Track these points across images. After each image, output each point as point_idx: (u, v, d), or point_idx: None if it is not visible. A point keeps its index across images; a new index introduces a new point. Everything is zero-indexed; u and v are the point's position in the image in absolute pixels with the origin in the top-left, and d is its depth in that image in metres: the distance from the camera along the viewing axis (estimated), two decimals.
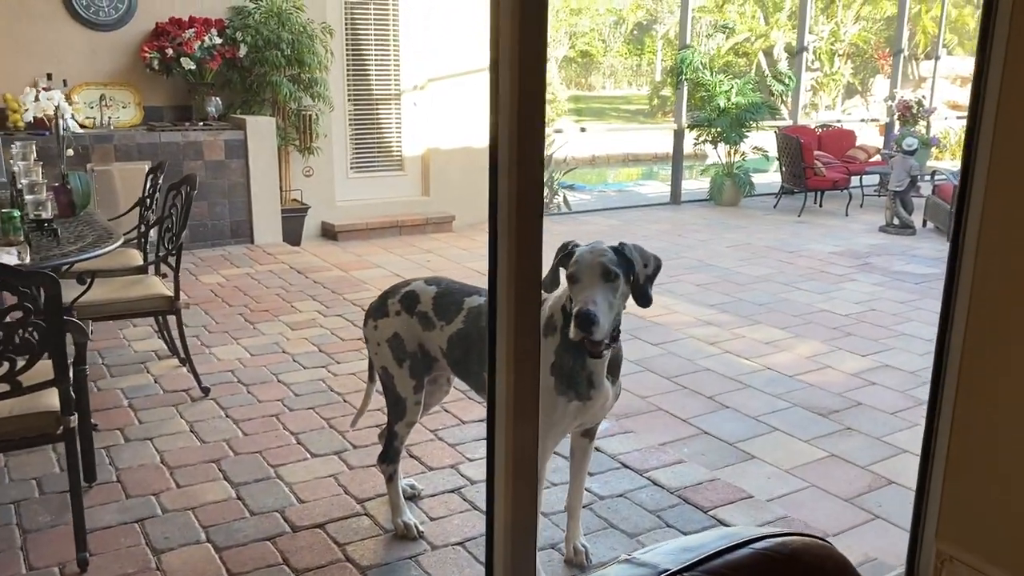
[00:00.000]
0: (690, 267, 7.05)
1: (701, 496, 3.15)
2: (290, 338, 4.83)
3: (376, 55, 7.97)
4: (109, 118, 6.68)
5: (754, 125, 9.99)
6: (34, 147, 3.88)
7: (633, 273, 2.28)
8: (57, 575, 2.61)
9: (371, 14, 7.86)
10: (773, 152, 10.45)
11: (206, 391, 3.99)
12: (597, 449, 3.37)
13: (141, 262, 4.42)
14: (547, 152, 9.66)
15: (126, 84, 6.84)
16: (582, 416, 2.43)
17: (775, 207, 9.99)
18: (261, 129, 6.93)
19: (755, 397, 4.24)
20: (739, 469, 3.47)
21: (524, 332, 1.56)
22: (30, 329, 2.46)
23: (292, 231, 7.35)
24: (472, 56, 8.11)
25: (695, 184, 11.33)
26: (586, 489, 2.99)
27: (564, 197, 9.69)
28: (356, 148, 8.06)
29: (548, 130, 9.76)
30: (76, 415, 2.66)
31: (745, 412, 4.05)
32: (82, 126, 6.50)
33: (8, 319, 2.41)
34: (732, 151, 10.06)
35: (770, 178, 11.28)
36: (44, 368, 2.55)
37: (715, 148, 10.19)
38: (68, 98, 6.65)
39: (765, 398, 4.23)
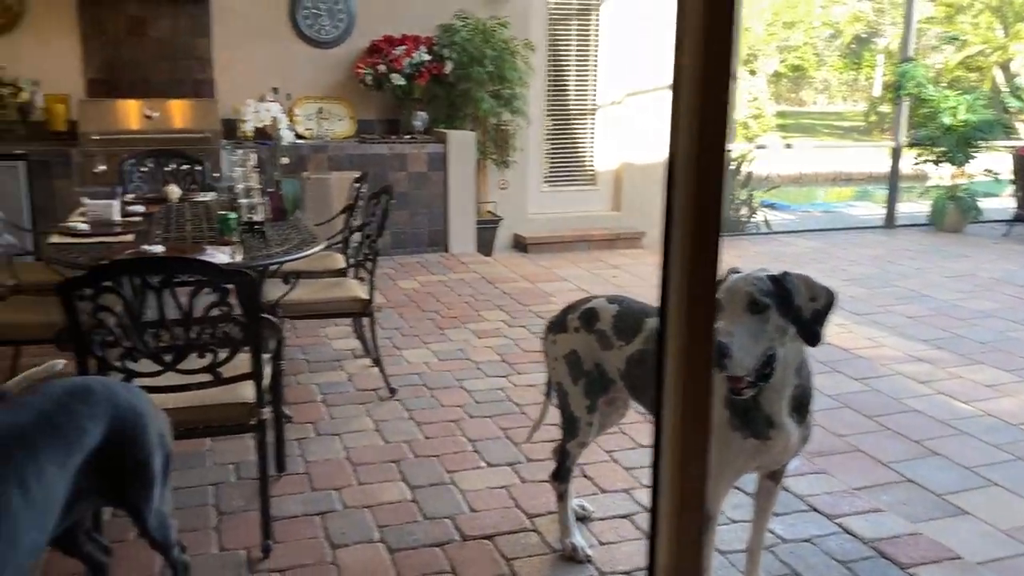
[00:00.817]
0: (902, 297, 6.49)
1: (899, 550, 2.84)
2: (475, 345, 4.90)
3: (575, 70, 8.00)
4: (325, 130, 7.14)
5: (984, 145, 9.08)
6: (252, 155, 4.19)
7: (793, 306, 2.06)
8: (243, 558, 2.77)
9: (573, 30, 7.91)
10: (1006, 175, 9.45)
11: (393, 392, 4.13)
12: (783, 488, 3.14)
13: (343, 265, 4.65)
14: (747, 168, 9.29)
15: (341, 98, 7.28)
16: (760, 457, 2.25)
17: (1005, 235, 9.01)
18: (462, 143, 7.14)
19: (971, 445, 3.80)
20: (947, 524, 3.11)
21: (694, 360, 1.43)
22: (231, 324, 2.63)
23: (485, 242, 7.52)
24: (669, 71, 7.93)
25: (913, 207, 10.48)
26: (768, 530, 2.78)
27: (764, 216, 9.26)
28: (550, 162, 8.12)
29: (749, 146, 9.39)
30: (269, 408, 2.81)
31: (958, 461, 3.63)
32: (300, 137, 7.01)
33: (207, 314, 2.59)
34: (957, 172, 9.20)
35: (1001, 203, 10.20)
36: (242, 362, 2.71)
37: (937, 168, 9.37)
38: (290, 111, 7.18)
39: (983, 447, 3.78)
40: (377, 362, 4.45)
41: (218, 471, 3.32)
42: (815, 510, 3.11)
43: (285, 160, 4.83)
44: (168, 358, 2.60)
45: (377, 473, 3.35)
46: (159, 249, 3.36)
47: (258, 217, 3.58)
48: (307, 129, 7.10)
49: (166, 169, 5.46)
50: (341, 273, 4.55)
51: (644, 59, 7.94)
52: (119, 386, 2.20)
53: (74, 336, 2.51)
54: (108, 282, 2.46)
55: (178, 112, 6.65)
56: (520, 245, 7.85)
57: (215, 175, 5.99)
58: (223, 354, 2.63)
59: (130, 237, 3.72)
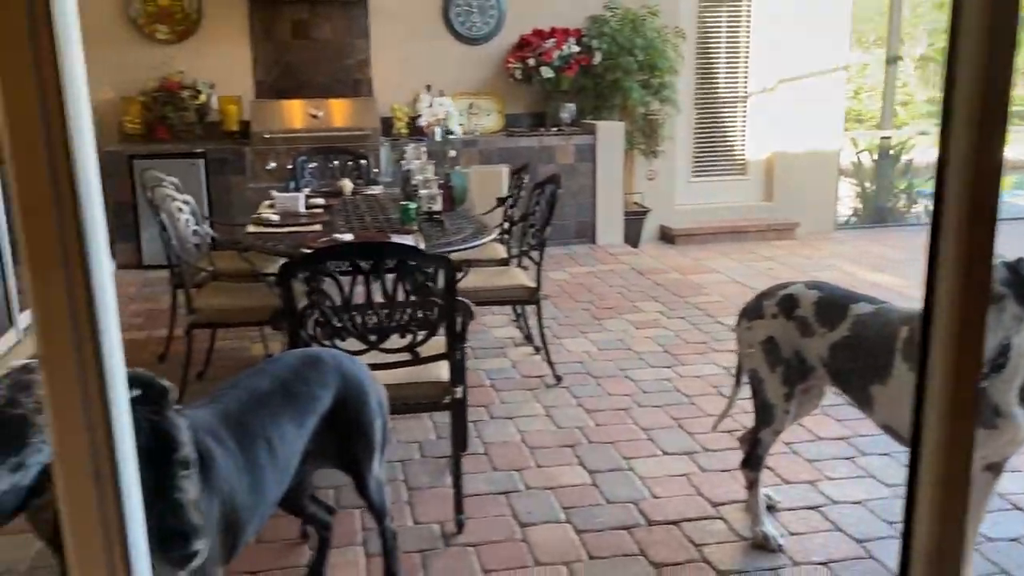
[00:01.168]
0: None
1: None
2: (634, 336, 4.90)
3: (726, 57, 7.84)
4: (476, 125, 7.29)
5: None
6: (424, 149, 4.33)
7: None
8: (437, 532, 2.88)
9: (723, 16, 7.76)
10: None
11: (559, 379, 4.18)
12: None
13: (504, 255, 4.74)
14: (906, 157, 8.85)
15: (491, 93, 7.41)
16: (985, 447, 2.16)
17: None
18: (610, 134, 7.14)
19: None
20: None
21: (965, 352, 1.39)
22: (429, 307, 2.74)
23: (632, 233, 7.48)
24: (824, 56, 7.68)
25: None
26: None
27: (925, 206, 8.80)
28: (698, 152, 8.00)
29: (909, 131, 8.93)
30: (462, 387, 2.91)
31: None
32: (449, 132, 7.18)
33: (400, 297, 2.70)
34: None
35: None
36: (435, 343, 2.82)
37: None
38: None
39: None
40: (539, 350, 4.54)
41: (403, 449, 3.46)
42: (1019, 508, 2.95)
43: (453, 153, 4.97)
44: (373, 338, 2.74)
45: (554, 457, 3.41)
46: (348, 237, 3.54)
47: (436, 207, 3.70)
48: (458, 124, 7.26)
49: (331, 165, 5.73)
50: (503, 262, 4.64)
51: (797, 44, 7.69)
52: (344, 356, 2.34)
53: (289, 316, 2.68)
54: (324, 266, 2.61)
55: (339, 111, 6.95)
56: (667, 237, 7.78)
57: (375, 170, 6.23)
58: (422, 335, 2.75)
59: (318, 227, 3.93)
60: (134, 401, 1.54)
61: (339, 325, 2.70)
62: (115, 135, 6.87)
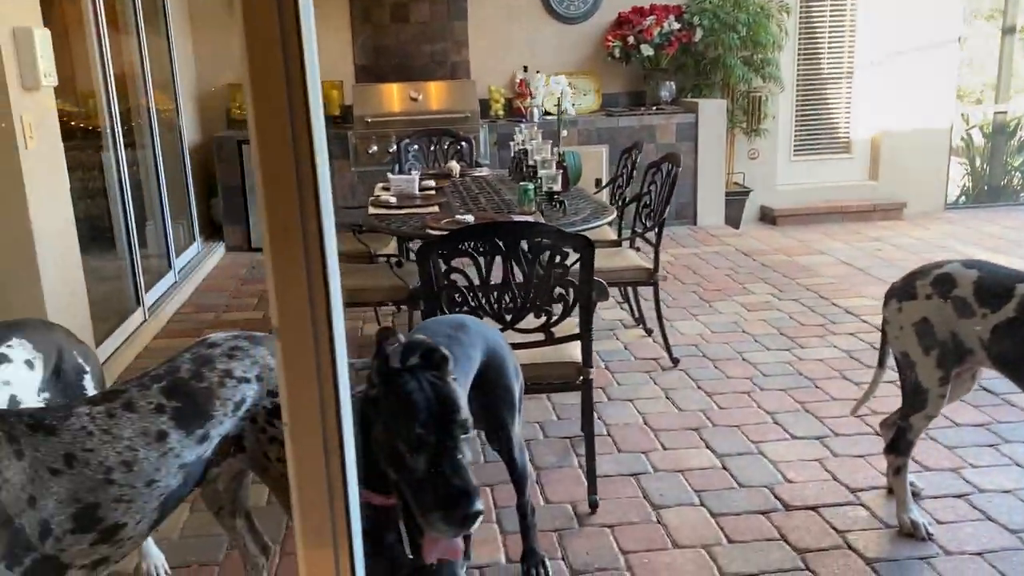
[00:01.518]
0: None
1: None
2: (747, 319, 4.80)
3: (830, 32, 7.58)
4: (573, 105, 7.22)
5: None
6: (538, 129, 4.32)
7: None
8: (570, 511, 2.88)
9: None
10: None
11: (676, 362, 4.13)
12: None
13: (614, 236, 4.70)
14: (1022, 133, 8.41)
15: (588, 72, 7.35)
16: None
17: None
18: (712, 112, 6.99)
19: None
20: None
21: None
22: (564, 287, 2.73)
23: (732, 214, 7.33)
24: (935, 29, 7.36)
25: None
26: None
27: None
28: (801, 130, 7.77)
29: None
30: (593, 368, 2.90)
31: None
32: (548, 113, 7.14)
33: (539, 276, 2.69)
34: None
35: None
36: (567, 324, 2.80)
37: None
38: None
39: None
40: (650, 332, 4.52)
41: (527, 430, 3.47)
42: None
43: (565, 133, 4.94)
44: (508, 317, 2.74)
45: (679, 439, 3.37)
46: (470, 218, 3.55)
47: (557, 187, 3.68)
48: (555, 105, 7.20)
49: (431, 148, 5.77)
50: (615, 243, 4.60)
51: (906, 17, 7.38)
52: (481, 321, 2.36)
53: (428, 295, 2.70)
54: (464, 245, 2.63)
55: (438, 93, 6.98)
56: (768, 217, 7.59)
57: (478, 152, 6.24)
58: (557, 314, 2.74)
59: (435, 208, 3.96)
60: (415, 367, 1.57)
61: (475, 304, 2.72)
62: (224, 122, 7.07)
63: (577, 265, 2.69)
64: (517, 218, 3.53)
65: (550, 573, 2.50)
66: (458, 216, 3.60)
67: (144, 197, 5.43)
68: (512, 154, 4.85)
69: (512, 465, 2.34)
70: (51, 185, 3.61)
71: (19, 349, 2.11)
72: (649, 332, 4.56)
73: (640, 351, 4.36)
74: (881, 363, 2.78)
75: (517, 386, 2.29)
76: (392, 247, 4.78)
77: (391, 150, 6.66)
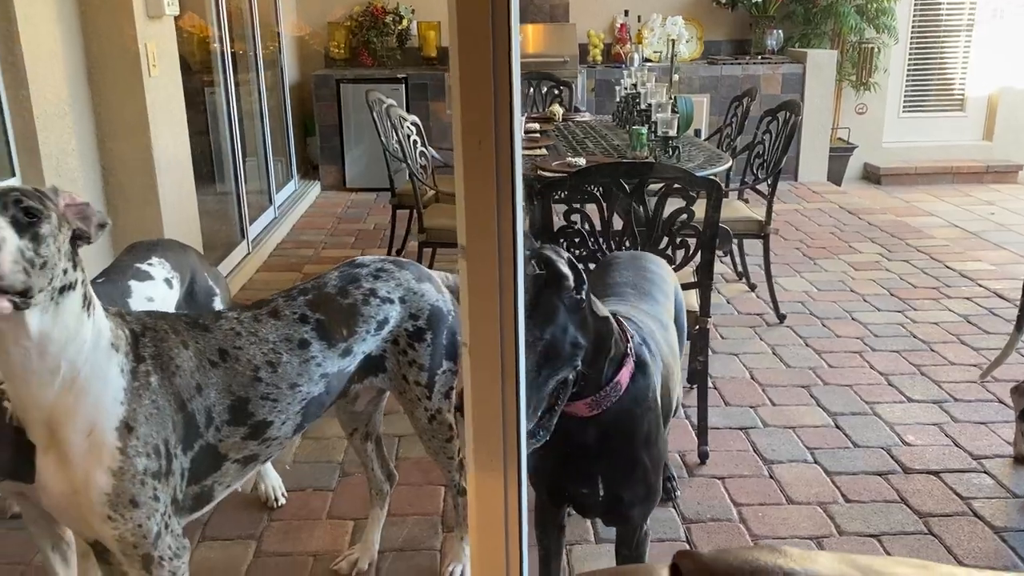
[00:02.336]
0: None
1: None
2: (855, 278, 4.63)
3: None
4: (674, 52, 7.01)
5: None
6: (652, 73, 4.20)
7: None
8: (679, 461, 2.84)
9: None
10: None
11: (782, 318, 4.02)
12: None
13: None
14: None
15: (691, 18, 7.10)
16: None
17: None
18: (821, 63, 6.70)
19: None
20: None
21: None
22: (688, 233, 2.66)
23: (835, 171, 7.07)
24: None
25: None
26: None
27: None
28: (912, 85, 7.40)
29: None
30: (710, 318, 2.83)
31: None
32: (647, 60, 6.95)
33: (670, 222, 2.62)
34: None
35: None
36: (683, 272, 2.73)
37: None
38: (638, 34, 7.15)
39: None
40: (754, 287, 4.42)
41: None
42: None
43: (677, 77, 4.80)
44: None
45: (789, 396, 3.29)
46: (582, 161, 3.48)
47: (672, 131, 3.58)
48: (655, 52, 7.02)
49: (529, 92, 5.69)
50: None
51: None
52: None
53: (545, 236, 2.66)
54: (588, 185, 2.57)
55: (537, 37, 6.85)
56: (872, 176, 7.30)
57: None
58: (679, 260, 2.67)
59: (542, 151, 3.90)
60: (537, 278, 1.55)
61: (594, 248, 2.67)
62: (321, 60, 7.10)
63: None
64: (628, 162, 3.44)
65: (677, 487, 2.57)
66: (569, 159, 3.54)
67: (247, 133, 5.51)
68: (618, 99, 4.74)
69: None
70: (170, 114, 3.67)
71: (159, 267, 2.16)
72: (752, 287, 4.45)
73: (743, 306, 4.25)
74: (1019, 326, 2.64)
75: (684, 329, 2.27)
76: None
77: None
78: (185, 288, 2.24)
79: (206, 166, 4.75)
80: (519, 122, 1.11)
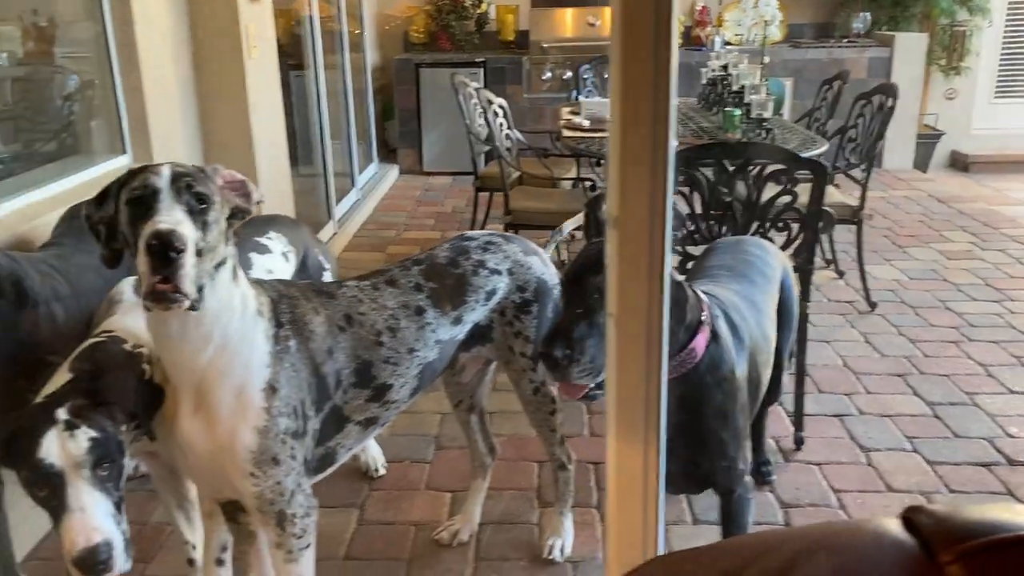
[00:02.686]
0: None
1: None
2: (947, 267, 4.51)
3: None
4: (755, 35, 6.89)
5: None
6: (740, 54, 4.14)
7: None
8: (774, 446, 2.82)
9: None
10: None
11: (873, 306, 3.94)
12: None
13: None
14: None
15: None
16: None
17: None
18: (910, 47, 6.51)
19: None
20: None
21: None
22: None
23: (921, 158, 6.87)
24: None
25: None
26: None
27: None
28: (1006, 70, 7.12)
29: None
30: (809, 303, 2.79)
31: None
32: (727, 43, 6.84)
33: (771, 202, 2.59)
34: None
35: None
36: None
37: None
38: (719, 16, 7.04)
39: None
40: (842, 274, 4.34)
41: None
42: None
43: (767, 59, 4.72)
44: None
45: (884, 384, 3.23)
46: (673, 142, 3.45)
47: (767, 113, 3.53)
48: (736, 35, 6.90)
49: (606, 76, 5.65)
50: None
51: None
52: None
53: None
54: (687, 166, 2.56)
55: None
56: (959, 163, 7.06)
57: None
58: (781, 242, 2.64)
59: None
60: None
61: (692, 230, 2.65)
62: (401, 44, 7.17)
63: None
64: None
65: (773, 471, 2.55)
66: None
67: (331, 115, 5.61)
68: (704, 80, 4.68)
69: (775, 383, 2.32)
70: (267, 94, 3.76)
71: (276, 241, 2.23)
72: (841, 274, 4.37)
73: (833, 293, 4.18)
74: None
75: (795, 314, 2.25)
76: (573, 172, 4.75)
77: (565, 77, 6.59)
78: (299, 262, 2.30)
79: (295, 147, 4.85)
80: (675, 90, 1.12)
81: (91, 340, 1.57)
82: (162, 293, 1.29)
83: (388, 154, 7.19)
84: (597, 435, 2.92)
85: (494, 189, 4.71)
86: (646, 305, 1.16)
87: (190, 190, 1.33)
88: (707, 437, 1.69)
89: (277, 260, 2.17)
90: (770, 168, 2.58)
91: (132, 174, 1.38)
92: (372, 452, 2.68)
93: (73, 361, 1.51)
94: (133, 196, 1.32)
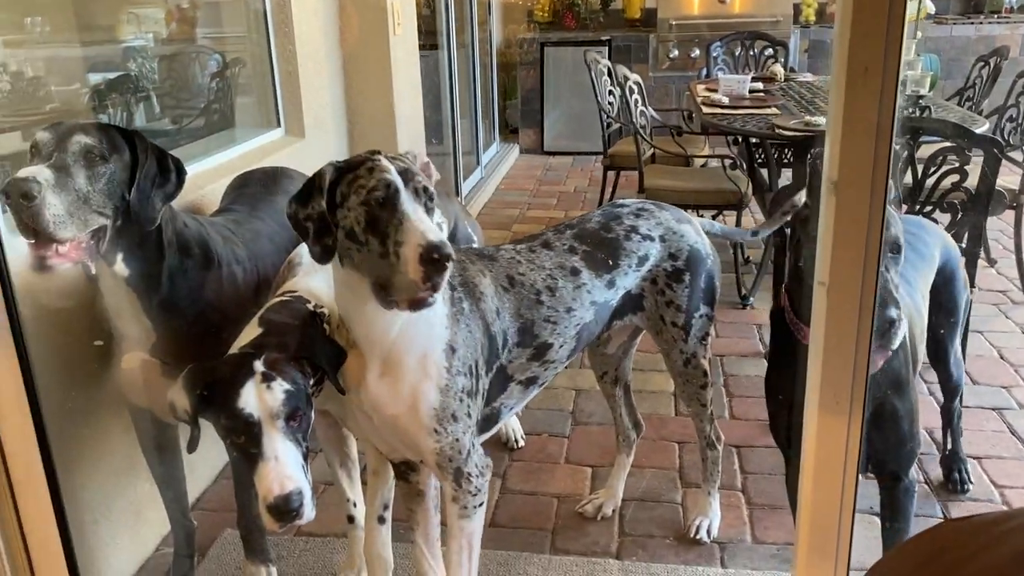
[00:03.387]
0: None
1: None
2: None
3: None
4: (920, 6, 6.57)
5: None
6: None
7: None
8: (927, 439, 2.69)
9: None
10: None
11: None
12: None
13: None
14: None
15: None
16: None
17: None
18: None
19: None
20: None
21: None
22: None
23: None
24: None
25: None
26: None
27: None
28: None
29: None
30: (975, 288, 2.65)
31: None
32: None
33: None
34: None
35: None
36: None
37: None
38: None
39: None
40: (994, 262, 4.11)
41: None
42: None
43: (919, 34, 4.50)
44: None
45: None
46: (821, 119, 3.34)
47: (925, 90, 3.36)
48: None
49: (736, 54, 5.50)
50: None
51: None
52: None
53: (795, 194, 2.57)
54: None
55: None
56: None
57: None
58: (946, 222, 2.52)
59: (773, 110, 3.77)
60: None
61: None
62: (524, 23, 7.17)
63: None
64: None
65: (970, 475, 2.43)
66: (807, 118, 3.40)
67: (459, 94, 5.67)
68: None
69: (947, 374, 2.25)
70: (408, 71, 3.83)
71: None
72: (992, 262, 4.13)
73: (984, 282, 3.94)
74: None
75: (963, 300, 2.15)
76: (706, 151, 4.66)
77: (693, 55, 6.46)
78: (449, 233, 2.34)
79: (426, 125, 4.94)
80: (905, 53, 1.06)
81: (277, 298, 1.64)
82: (424, 300, 1.36)
83: (509, 134, 7.23)
84: (737, 418, 2.87)
85: (623, 168, 4.67)
86: (860, 274, 1.12)
87: (421, 187, 1.38)
88: (883, 409, 1.63)
89: None
90: (936, 146, 2.46)
91: (347, 171, 1.40)
92: (512, 424, 2.71)
93: (262, 317, 1.58)
94: (376, 198, 1.36)
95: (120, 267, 1.65)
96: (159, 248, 1.69)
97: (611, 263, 1.87)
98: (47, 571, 1.55)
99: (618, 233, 1.91)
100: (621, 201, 2.06)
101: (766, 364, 1.98)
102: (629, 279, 1.91)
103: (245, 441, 1.42)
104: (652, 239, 1.94)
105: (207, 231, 1.86)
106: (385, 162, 1.40)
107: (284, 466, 1.40)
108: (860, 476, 2.23)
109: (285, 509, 1.39)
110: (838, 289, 1.13)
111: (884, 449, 1.70)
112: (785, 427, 1.82)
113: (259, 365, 1.42)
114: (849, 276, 1.13)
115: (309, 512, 1.42)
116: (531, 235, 1.91)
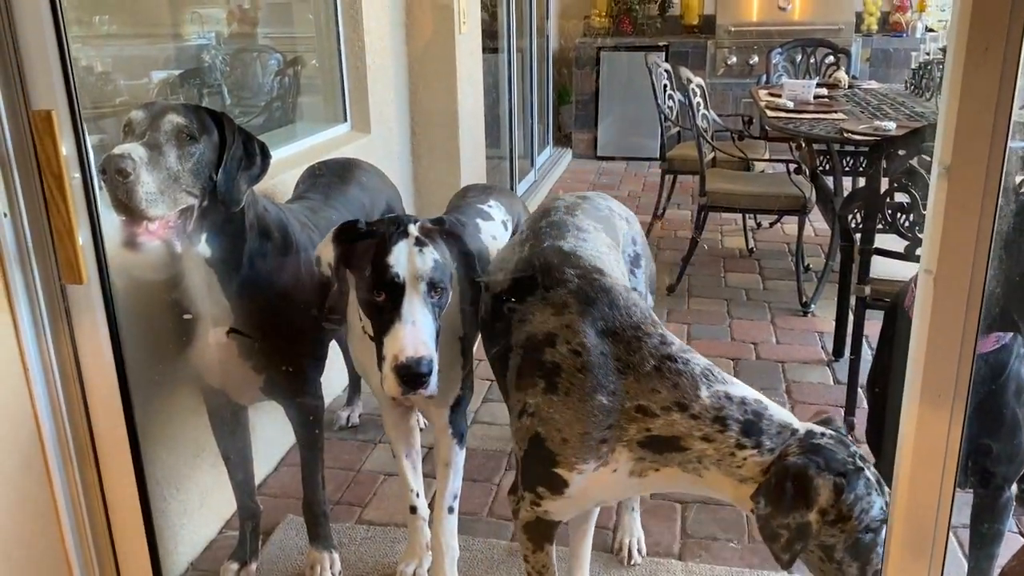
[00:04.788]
0: None
1: None
2: None
3: None
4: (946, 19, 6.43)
5: None
6: None
7: None
8: None
9: None
10: None
11: None
12: None
13: None
14: None
15: None
16: None
17: None
18: None
19: None
20: None
21: None
22: None
23: None
24: None
25: None
26: None
27: None
28: None
29: None
30: None
31: None
32: (930, 30, 6.43)
33: None
34: None
35: None
36: None
37: None
38: (921, 2, 6.62)
39: None
40: None
41: None
42: None
43: None
44: None
45: None
46: (891, 125, 3.28)
47: None
48: (939, 21, 6.48)
49: (796, 61, 5.43)
50: None
51: None
52: None
53: (870, 203, 2.52)
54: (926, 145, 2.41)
55: (808, 2, 6.53)
56: None
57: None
58: None
59: (839, 115, 3.72)
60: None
61: (916, 220, 2.49)
62: (580, 28, 7.17)
63: None
64: None
65: None
66: (877, 123, 3.34)
67: (516, 98, 5.69)
68: (915, 65, 4.41)
69: None
70: (471, 70, 3.84)
71: (496, 209, 2.27)
72: None
73: None
74: None
75: None
76: (766, 156, 4.60)
77: (751, 61, 6.40)
78: (512, 231, 2.34)
79: (485, 126, 4.96)
80: None
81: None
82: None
83: (562, 138, 7.23)
84: None
85: (681, 172, 4.64)
86: (971, 263, 1.09)
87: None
88: (1002, 415, 1.57)
89: (498, 228, 2.21)
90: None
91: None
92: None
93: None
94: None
95: (203, 247, 1.67)
96: (241, 230, 1.71)
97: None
98: (126, 538, 1.58)
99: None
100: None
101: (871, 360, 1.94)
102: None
103: (385, 299, 1.42)
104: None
105: (286, 216, 1.88)
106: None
107: (421, 331, 1.40)
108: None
109: (416, 371, 1.37)
110: (947, 277, 1.10)
111: (997, 458, 1.64)
112: (880, 430, 1.78)
113: (414, 229, 1.45)
114: (958, 265, 1.10)
115: (433, 387, 1.41)
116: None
